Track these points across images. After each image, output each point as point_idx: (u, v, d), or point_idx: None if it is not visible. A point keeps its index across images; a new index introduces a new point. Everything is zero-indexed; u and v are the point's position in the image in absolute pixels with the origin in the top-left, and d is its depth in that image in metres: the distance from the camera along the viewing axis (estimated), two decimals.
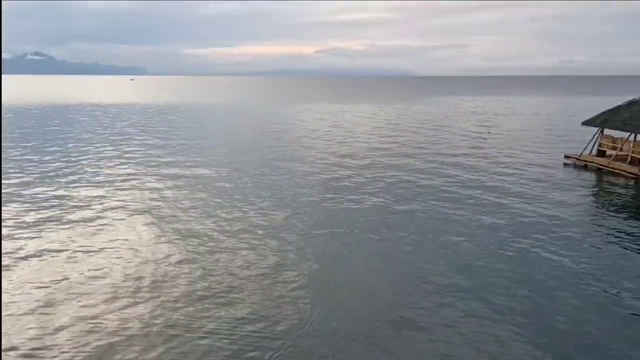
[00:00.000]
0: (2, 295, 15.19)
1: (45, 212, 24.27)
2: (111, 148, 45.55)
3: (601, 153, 37.03)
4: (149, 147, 46.03)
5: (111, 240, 20.32)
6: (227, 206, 25.37)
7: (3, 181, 30.66)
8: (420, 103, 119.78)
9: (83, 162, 38.16)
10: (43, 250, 19.23)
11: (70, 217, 23.63)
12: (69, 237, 20.67)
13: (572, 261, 18.13)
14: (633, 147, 34.18)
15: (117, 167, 36.23)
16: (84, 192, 28.57)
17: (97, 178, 32.22)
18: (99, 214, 24.11)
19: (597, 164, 35.33)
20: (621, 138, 35.59)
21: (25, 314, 14.22)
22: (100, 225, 22.39)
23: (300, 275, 16.88)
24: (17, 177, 32.05)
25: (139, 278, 16.63)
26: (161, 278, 16.64)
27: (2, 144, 46.45)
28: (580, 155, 37.15)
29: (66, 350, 12.46)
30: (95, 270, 17.30)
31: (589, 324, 13.67)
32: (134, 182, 31.02)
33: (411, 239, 20.48)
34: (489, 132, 56.76)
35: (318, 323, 13.72)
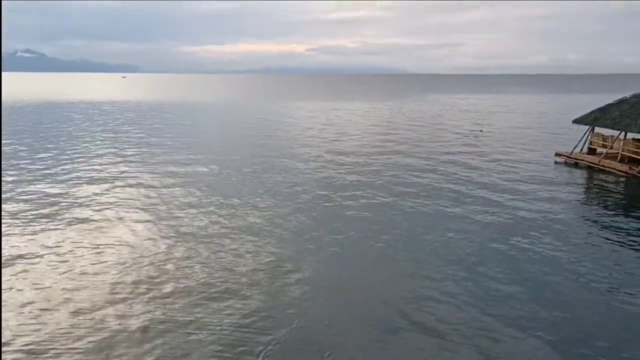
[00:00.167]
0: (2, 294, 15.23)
1: (41, 210, 24.28)
2: (104, 146, 45.49)
3: (592, 151, 37.36)
4: (142, 145, 45.98)
5: (107, 238, 20.39)
6: (223, 204, 25.46)
7: None
8: (414, 101, 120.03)
9: (76, 160, 38.11)
10: (39, 247, 19.28)
11: (66, 214, 23.65)
12: (64, 235, 20.72)
13: (563, 256, 18.35)
14: (623, 145, 34.52)
15: (111, 165, 36.21)
16: (79, 189, 28.57)
17: (91, 175, 32.22)
18: (94, 212, 24.14)
19: (587, 161, 35.64)
20: (611, 136, 35.92)
21: (23, 312, 14.26)
22: (96, 222, 22.44)
23: (293, 271, 17.00)
24: (12, 175, 31.97)
25: (132, 274, 16.72)
26: (154, 273, 16.75)
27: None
28: (571, 153, 37.44)
29: (65, 346, 12.52)
30: (92, 266, 17.38)
31: (580, 314, 13.89)
32: (129, 181, 31.05)
33: (405, 235, 20.65)
34: (480, 131, 57.02)
35: (310, 319, 13.84)
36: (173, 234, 20.73)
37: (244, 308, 14.41)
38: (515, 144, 46.13)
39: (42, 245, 19.55)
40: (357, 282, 16.30)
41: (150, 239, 20.22)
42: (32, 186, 29.18)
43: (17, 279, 16.45)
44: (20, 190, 28.23)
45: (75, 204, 25.44)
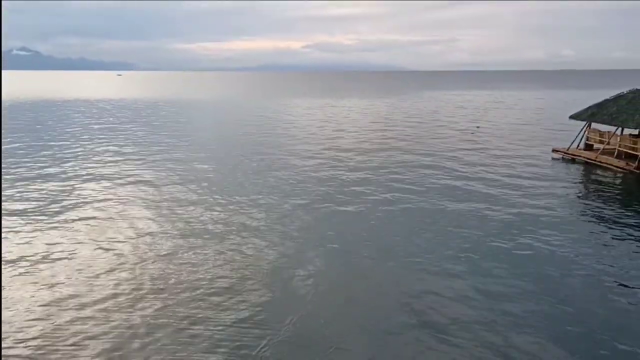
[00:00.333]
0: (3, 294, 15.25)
1: (42, 209, 24.26)
2: (103, 144, 45.40)
3: (589, 147, 37.47)
4: (141, 143, 45.95)
5: (109, 236, 20.38)
6: (224, 201, 25.46)
7: None
8: (410, 98, 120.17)
9: (75, 158, 38.07)
10: (42, 246, 19.28)
11: (67, 213, 23.63)
12: (66, 233, 20.72)
13: (562, 251, 18.44)
14: (620, 141, 34.62)
15: (111, 163, 36.18)
16: (79, 188, 28.56)
17: (91, 173, 32.18)
18: (95, 210, 24.12)
19: (584, 157, 35.74)
20: (608, 132, 36.04)
21: (26, 311, 14.30)
22: (97, 220, 22.43)
23: (295, 268, 17.04)
24: (11, 174, 31.92)
25: (134, 270, 16.75)
26: (155, 270, 16.79)
27: None
28: (568, 149, 37.56)
29: (69, 344, 12.57)
30: (95, 263, 17.41)
31: (582, 308, 13.98)
32: (129, 179, 31.01)
33: (404, 231, 20.71)
34: (477, 127, 57.11)
35: (312, 316, 13.87)
36: (175, 231, 20.75)
37: (243, 304, 14.46)
38: (512, 140, 46.24)
39: (45, 243, 19.53)
40: (359, 279, 16.34)
41: (152, 236, 20.24)
42: (33, 185, 29.13)
43: (21, 277, 16.45)
44: (20, 189, 28.17)
45: (76, 203, 25.41)
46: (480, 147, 42.37)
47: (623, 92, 36.41)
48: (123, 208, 24.41)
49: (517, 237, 19.98)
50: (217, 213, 23.38)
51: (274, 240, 19.71)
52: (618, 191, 28.42)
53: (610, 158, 33.86)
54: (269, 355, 12.04)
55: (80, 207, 24.69)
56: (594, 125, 37.59)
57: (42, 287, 15.70)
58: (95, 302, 14.64)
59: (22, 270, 17.03)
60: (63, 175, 31.69)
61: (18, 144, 44.69)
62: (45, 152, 40.40)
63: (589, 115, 36.88)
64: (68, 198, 26.31)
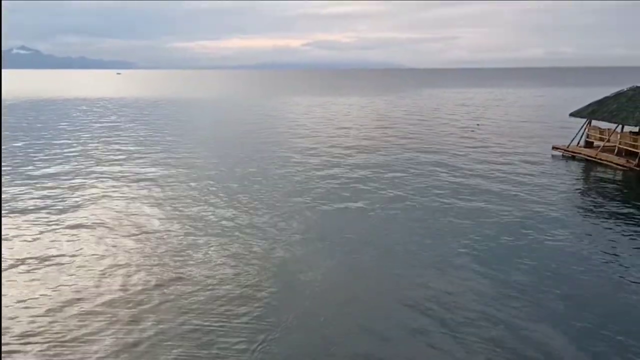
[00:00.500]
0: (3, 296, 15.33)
1: (48, 207, 24.38)
2: (106, 143, 45.49)
3: (589, 144, 37.54)
4: (144, 142, 46.03)
5: (115, 234, 20.51)
6: (228, 199, 25.59)
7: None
8: (410, 95, 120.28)
9: (78, 157, 38.22)
10: (47, 244, 19.42)
11: (74, 211, 23.76)
12: (73, 232, 20.85)
13: (564, 247, 18.58)
14: (620, 138, 34.69)
15: (114, 162, 36.29)
16: (84, 187, 28.65)
17: (95, 172, 32.28)
18: (102, 208, 24.27)
19: (584, 155, 35.83)
20: (608, 129, 36.10)
21: (32, 309, 14.43)
22: (104, 218, 22.57)
23: (293, 267, 17.16)
24: (16, 174, 32.06)
25: (141, 268, 16.89)
26: (156, 266, 16.93)
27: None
28: (568, 147, 37.62)
29: (77, 342, 12.71)
30: (102, 261, 17.54)
31: (587, 302, 14.11)
32: (134, 177, 31.11)
33: (406, 227, 20.86)
34: (477, 125, 57.18)
35: (306, 316, 13.91)
36: (178, 229, 20.87)
37: (243, 300, 14.60)
38: (512, 138, 46.34)
39: (50, 241, 19.69)
40: (360, 277, 16.46)
41: (155, 233, 20.36)
42: (37, 183, 29.25)
43: (27, 275, 16.59)
44: (23, 187, 28.27)
45: (80, 201, 25.54)
46: (480, 145, 42.46)
47: (623, 90, 36.48)
48: (126, 206, 24.52)
49: (519, 233, 20.11)
50: (220, 210, 23.52)
51: (276, 239, 19.82)
52: (618, 188, 28.52)
53: (610, 155, 33.94)
54: (266, 351, 12.14)
55: (84, 205, 24.82)
56: (594, 122, 37.65)
57: (48, 285, 15.83)
58: (100, 299, 14.77)
59: (27, 269, 17.14)
60: (67, 174, 31.80)
61: (21, 143, 44.78)
62: (47, 151, 40.51)
63: (589, 112, 36.95)
64: (72, 196, 26.42)
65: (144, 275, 16.48)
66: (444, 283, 15.75)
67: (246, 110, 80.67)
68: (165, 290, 15.29)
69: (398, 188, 27.79)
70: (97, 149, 41.78)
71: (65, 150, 41.04)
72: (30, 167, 33.91)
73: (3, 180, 29.90)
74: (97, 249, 18.90)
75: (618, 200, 25.56)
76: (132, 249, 18.85)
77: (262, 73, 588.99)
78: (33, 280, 16.22)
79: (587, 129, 37.94)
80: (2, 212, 23.32)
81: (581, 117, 37.84)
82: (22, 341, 12.69)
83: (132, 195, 26.64)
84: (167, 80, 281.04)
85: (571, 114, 39.21)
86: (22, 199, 25.87)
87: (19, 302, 14.72)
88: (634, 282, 15.80)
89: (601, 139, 36.49)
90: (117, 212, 23.64)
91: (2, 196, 26.33)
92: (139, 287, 15.58)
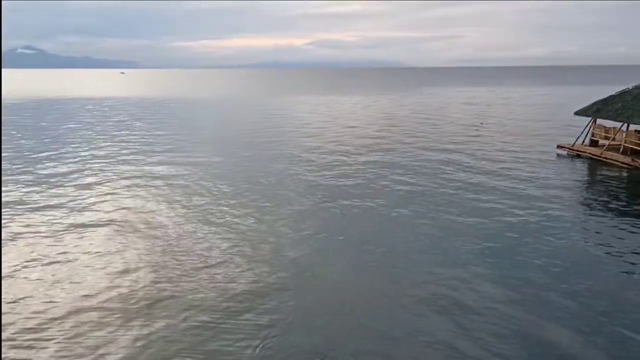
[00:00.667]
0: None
1: (63, 207, 24.70)
2: (115, 142, 45.76)
3: (594, 143, 37.63)
4: (149, 142, 46.25)
5: (123, 233, 20.81)
6: (235, 199, 25.84)
7: (8, 175, 31.02)
8: (413, 94, 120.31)
9: (87, 157, 38.50)
10: (68, 244, 19.74)
11: (87, 210, 24.07)
12: (89, 231, 21.16)
13: (571, 244, 18.80)
14: (625, 137, 34.80)
15: (122, 161, 36.55)
16: (97, 187, 28.92)
17: (108, 171, 32.57)
18: (109, 206, 24.61)
19: (589, 153, 35.94)
20: (614, 128, 36.19)
21: (44, 309, 14.68)
22: (113, 215, 22.88)
23: (300, 265, 17.40)
24: (30, 174, 32.35)
25: (140, 262, 17.20)
26: (164, 263, 17.23)
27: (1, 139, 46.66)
28: (573, 145, 37.74)
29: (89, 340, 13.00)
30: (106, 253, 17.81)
31: (596, 299, 14.33)
32: (145, 176, 31.37)
33: (413, 222, 21.08)
34: (480, 123, 57.24)
35: (309, 315, 14.07)
36: (187, 227, 21.17)
37: (247, 297, 14.87)
38: (516, 136, 46.45)
39: (63, 241, 19.99)
40: (367, 276, 16.66)
41: (165, 229, 20.66)
42: (47, 183, 29.55)
43: (38, 275, 16.89)
44: (35, 187, 28.57)
45: (92, 200, 25.83)
46: (485, 143, 42.60)
47: (628, 88, 36.56)
48: (136, 205, 24.83)
49: (525, 231, 20.33)
50: (229, 209, 23.78)
51: (285, 237, 20.11)
52: (624, 187, 28.66)
53: (615, 154, 34.04)
54: (270, 347, 12.33)
55: (94, 204, 25.13)
56: (599, 121, 37.76)
57: (61, 284, 16.15)
58: (111, 296, 15.08)
59: (39, 268, 17.41)
60: (76, 173, 32.12)
61: (30, 142, 45.12)
62: (57, 150, 40.83)
63: (594, 111, 37.03)
64: (81, 196, 26.72)
65: (153, 272, 16.79)
66: (449, 280, 15.98)
67: (251, 110, 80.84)
68: (175, 287, 15.57)
69: (404, 186, 27.99)
70: (106, 149, 42.04)
71: (75, 150, 41.32)
72: (39, 166, 34.23)
73: (13, 180, 30.17)
74: (108, 247, 19.20)
75: (623, 199, 25.71)
76: (141, 247, 19.15)
77: (264, 72, 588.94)
78: (45, 278, 16.51)
79: (592, 128, 38.04)
80: (13, 212, 23.56)
81: (586, 115, 37.94)
82: (36, 337, 12.99)
83: (141, 195, 26.90)
84: (170, 80, 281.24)
85: (576, 113, 39.33)
86: (32, 199, 26.18)
87: (30, 301, 15.00)
88: None
89: (606, 138, 36.60)
90: (126, 210, 23.95)
91: (13, 196, 26.61)
92: (149, 284, 15.88)
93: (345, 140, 45.79)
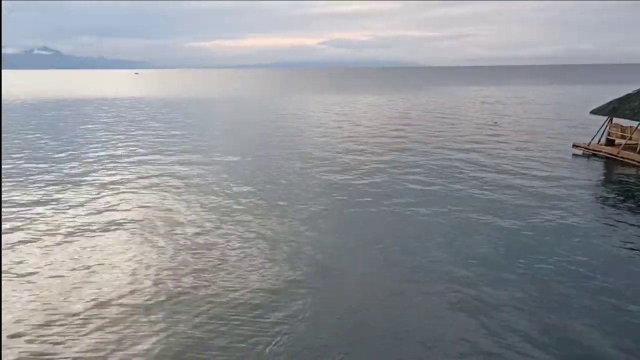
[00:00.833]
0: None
1: (74, 205, 25.12)
2: (133, 143, 46.21)
3: (610, 142, 37.35)
4: (166, 143, 46.62)
5: (141, 233, 21.12)
6: (253, 198, 26.10)
7: (30, 172, 31.59)
8: (427, 94, 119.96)
9: (105, 157, 38.97)
10: (78, 244, 20.07)
11: (112, 208, 24.46)
12: (114, 229, 21.52)
13: (584, 243, 18.82)
14: None
15: (142, 162, 36.96)
16: (105, 186, 29.30)
17: (128, 171, 33.01)
18: (129, 205, 24.99)
19: (606, 153, 35.71)
20: (630, 127, 35.91)
21: (64, 310, 14.97)
22: (133, 215, 23.25)
23: (316, 267, 17.52)
24: (50, 169, 32.88)
25: (152, 266, 17.43)
26: (169, 266, 17.41)
27: (22, 139, 47.38)
28: (589, 145, 37.52)
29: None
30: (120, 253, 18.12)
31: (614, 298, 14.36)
32: (163, 177, 31.70)
33: (432, 217, 21.21)
34: (495, 123, 57.03)
35: (322, 314, 14.18)
36: (203, 227, 21.42)
37: (259, 299, 14.95)
38: (532, 135, 46.29)
39: (87, 240, 20.33)
40: (374, 278, 16.76)
41: (182, 227, 20.95)
42: (67, 184, 30.05)
43: (57, 278, 17.18)
44: (59, 187, 29.03)
45: (114, 200, 26.23)
46: (500, 142, 42.48)
47: None
48: (155, 204, 25.13)
49: (541, 229, 20.39)
50: (243, 208, 24.04)
51: (302, 236, 20.33)
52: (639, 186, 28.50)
53: (632, 154, 33.78)
54: (281, 352, 12.38)
55: (113, 204, 25.51)
56: (615, 120, 37.50)
57: (82, 282, 16.46)
58: (122, 292, 15.35)
59: (60, 266, 17.74)
60: (96, 173, 32.59)
61: (49, 143, 45.72)
62: (74, 151, 41.37)
63: (611, 110, 36.78)
64: (100, 196, 27.13)
65: (171, 270, 17.07)
66: (466, 277, 16.06)
67: (266, 109, 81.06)
68: (194, 284, 15.85)
69: (421, 185, 28.06)
70: (122, 148, 42.50)
71: (92, 150, 41.84)
72: (59, 166, 34.77)
73: (34, 180, 30.59)
74: (128, 245, 19.52)
75: (639, 198, 25.57)
76: (161, 245, 19.45)
77: (278, 72, 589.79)
78: (67, 275, 16.83)
79: (608, 127, 37.78)
80: (28, 214, 23.85)
81: (602, 114, 37.69)
82: (59, 332, 13.27)
83: (159, 194, 27.22)
84: (184, 80, 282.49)
85: (592, 112, 39.09)
86: (52, 198, 26.62)
87: (52, 298, 15.31)
88: None
89: (623, 137, 36.33)
90: (145, 209, 24.29)
91: (35, 196, 27.03)
92: (167, 281, 16.15)
93: (361, 139, 45.90)
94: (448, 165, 33.51)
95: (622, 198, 25.52)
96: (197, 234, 20.53)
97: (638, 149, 34.04)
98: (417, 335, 12.93)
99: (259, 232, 20.59)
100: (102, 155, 38.98)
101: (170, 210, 23.99)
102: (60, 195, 26.87)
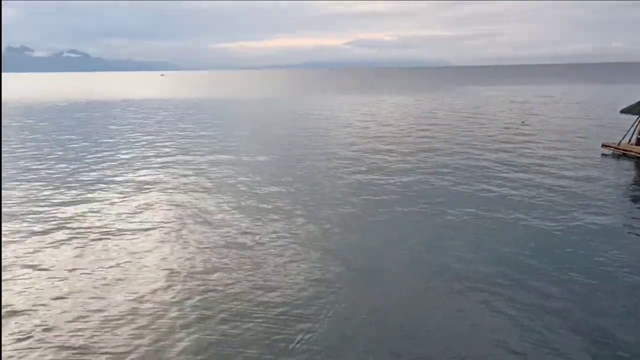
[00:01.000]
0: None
1: (131, 198, 25.72)
2: (159, 143, 46.90)
3: None
4: (191, 143, 47.18)
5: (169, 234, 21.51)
6: (283, 199, 26.34)
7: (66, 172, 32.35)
8: (454, 93, 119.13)
9: (138, 158, 39.64)
10: (112, 245, 20.54)
11: (148, 205, 25.00)
12: (150, 225, 21.98)
13: (615, 244, 18.64)
14: None
15: (178, 161, 37.52)
16: (136, 187, 29.84)
17: (154, 169, 33.62)
18: (160, 206, 25.43)
19: (636, 152, 35.21)
20: None
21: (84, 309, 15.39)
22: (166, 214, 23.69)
23: (339, 268, 17.62)
24: (84, 167, 33.64)
25: (182, 265, 17.76)
26: (199, 265, 17.68)
27: (54, 140, 48.44)
28: (618, 144, 37.03)
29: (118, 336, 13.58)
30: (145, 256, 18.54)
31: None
32: (190, 178, 32.16)
33: (461, 217, 21.23)
34: (522, 122, 56.49)
35: (347, 313, 14.24)
36: (244, 229, 21.70)
37: (281, 299, 15.04)
38: (560, 135, 45.76)
39: (122, 239, 20.77)
40: (401, 278, 16.86)
41: (200, 234, 21.26)
42: (104, 183, 30.67)
43: (80, 277, 17.60)
44: (93, 188, 29.68)
45: (147, 201, 26.70)
46: (528, 142, 42.08)
47: None
48: (184, 205, 25.53)
49: (571, 230, 20.23)
50: (272, 207, 24.28)
51: (333, 236, 20.51)
52: None
53: None
54: (304, 349, 12.50)
55: (147, 204, 25.97)
56: None
57: (118, 280, 16.87)
58: (145, 292, 15.68)
59: (93, 266, 18.19)
60: (127, 174, 33.19)
61: (81, 144, 46.67)
62: (105, 153, 42.15)
63: None
64: (134, 195, 27.66)
65: (203, 269, 17.39)
66: (494, 276, 16.08)
67: (292, 110, 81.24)
68: (226, 282, 16.14)
69: (449, 185, 28.02)
70: (152, 150, 43.11)
71: (123, 151, 42.57)
72: (92, 168, 35.47)
73: (62, 182, 31.25)
74: (161, 244, 19.91)
75: None
76: (191, 245, 19.79)
77: (304, 72, 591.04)
78: (102, 275, 17.27)
79: (638, 126, 37.23)
80: (60, 214, 24.43)
81: (632, 113, 37.14)
82: (94, 327, 13.67)
83: (189, 194, 27.60)
84: (210, 81, 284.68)
85: (622, 111, 38.54)
86: (86, 197, 27.22)
87: (85, 296, 15.75)
88: None
89: None
90: (177, 209, 24.68)
91: (70, 196, 27.70)
92: (199, 279, 16.47)
93: (388, 139, 45.92)
94: (476, 165, 33.38)
95: None
96: (227, 233, 20.84)
97: None
98: (442, 335, 13.01)
99: (286, 232, 20.83)
100: (132, 156, 39.68)
101: (200, 210, 24.35)
102: (91, 195, 27.46)
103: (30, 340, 12.97)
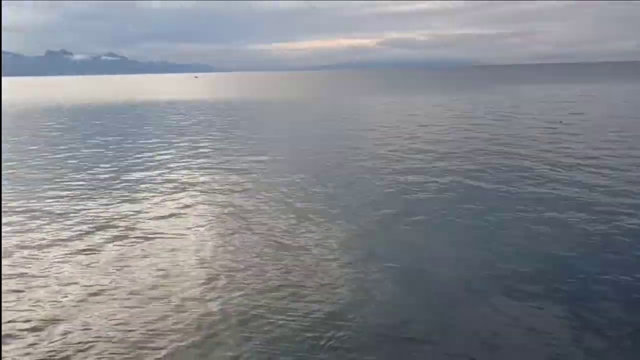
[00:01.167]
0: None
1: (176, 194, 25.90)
2: (194, 144, 47.30)
3: None
4: (228, 144, 47.47)
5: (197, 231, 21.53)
6: (315, 205, 26.13)
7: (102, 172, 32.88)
8: (492, 92, 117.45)
9: (167, 157, 40.07)
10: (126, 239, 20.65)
11: (194, 201, 25.13)
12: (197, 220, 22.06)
13: None
14: None
15: (214, 164, 37.80)
16: (174, 189, 30.03)
17: (192, 170, 33.84)
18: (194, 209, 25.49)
19: None
20: None
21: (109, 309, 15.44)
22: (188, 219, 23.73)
23: (373, 267, 17.20)
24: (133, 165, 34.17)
25: (223, 265, 17.58)
26: (235, 268, 17.35)
27: (95, 141, 49.41)
28: None
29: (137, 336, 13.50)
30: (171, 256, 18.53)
31: None
32: (223, 180, 32.29)
33: (499, 223, 20.65)
34: (560, 122, 55.15)
35: (380, 312, 13.96)
36: (254, 233, 21.51)
37: (312, 298, 14.83)
38: (603, 136, 44.27)
39: (162, 240, 20.79)
40: (439, 280, 16.45)
41: (232, 234, 21.07)
42: (143, 185, 30.96)
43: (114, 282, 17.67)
44: (135, 189, 30.00)
45: (186, 203, 26.75)
46: (565, 144, 40.71)
47: None
48: (224, 204, 25.50)
49: (623, 232, 19.42)
50: (308, 210, 24.03)
51: (371, 239, 20.15)
52: None
53: None
54: (337, 346, 12.29)
55: (185, 206, 26.00)
56: None
57: (159, 278, 16.81)
58: (178, 292, 15.63)
59: (129, 270, 18.20)
60: (164, 175, 33.44)
61: (120, 146, 47.47)
62: (142, 154, 42.70)
63: None
64: (172, 197, 27.75)
65: (242, 265, 17.20)
66: (536, 274, 15.55)
67: (326, 111, 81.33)
68: (239, 286, 15.89)
69: (485, 191, 27.40)
70: (191, 150, 43.43)
71: (161, 152, 43.03)
72: (132, 169, 35.92)
73: (105, 185, 31.53)
74: (200, 248, 19.79)
75: None
76: (230, 245, 19.63)
77: (339, 73, 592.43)
78: (140, 277, 17.22)
79: None
80: (102, 215, 24.66)
81: None
82: (122, 320, 13.58)
83: (229, 195, 27.48)
84: (245, 83, 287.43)
85: None
86: (127, 199, 27.44)
87: (116, 292, 15.81)
88: None
89: None
90: (216, 209, 24.62)
91: (103, 200, 28.03)
92: (234, 271, 16.31)
93: (427, 139, 45.18)
94: (517, 165, 32.56)
95: None
96: (266, 233, 20.61)
97: None
98: (477, 333, 12.60)
99: (325, 232, 20.52)
100: (170, 157, 39.99)
101: (239, 210, 24.23)
102: (133, 196, 27.66)
103: (72, 338, 12.98)
